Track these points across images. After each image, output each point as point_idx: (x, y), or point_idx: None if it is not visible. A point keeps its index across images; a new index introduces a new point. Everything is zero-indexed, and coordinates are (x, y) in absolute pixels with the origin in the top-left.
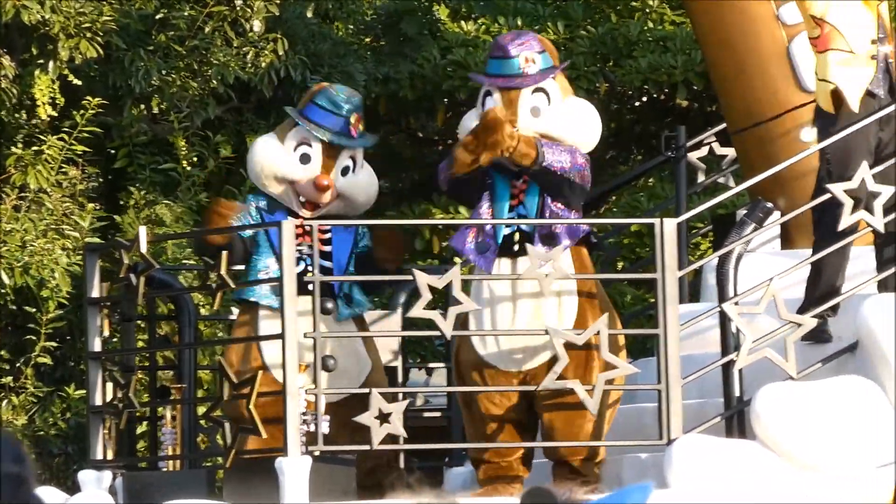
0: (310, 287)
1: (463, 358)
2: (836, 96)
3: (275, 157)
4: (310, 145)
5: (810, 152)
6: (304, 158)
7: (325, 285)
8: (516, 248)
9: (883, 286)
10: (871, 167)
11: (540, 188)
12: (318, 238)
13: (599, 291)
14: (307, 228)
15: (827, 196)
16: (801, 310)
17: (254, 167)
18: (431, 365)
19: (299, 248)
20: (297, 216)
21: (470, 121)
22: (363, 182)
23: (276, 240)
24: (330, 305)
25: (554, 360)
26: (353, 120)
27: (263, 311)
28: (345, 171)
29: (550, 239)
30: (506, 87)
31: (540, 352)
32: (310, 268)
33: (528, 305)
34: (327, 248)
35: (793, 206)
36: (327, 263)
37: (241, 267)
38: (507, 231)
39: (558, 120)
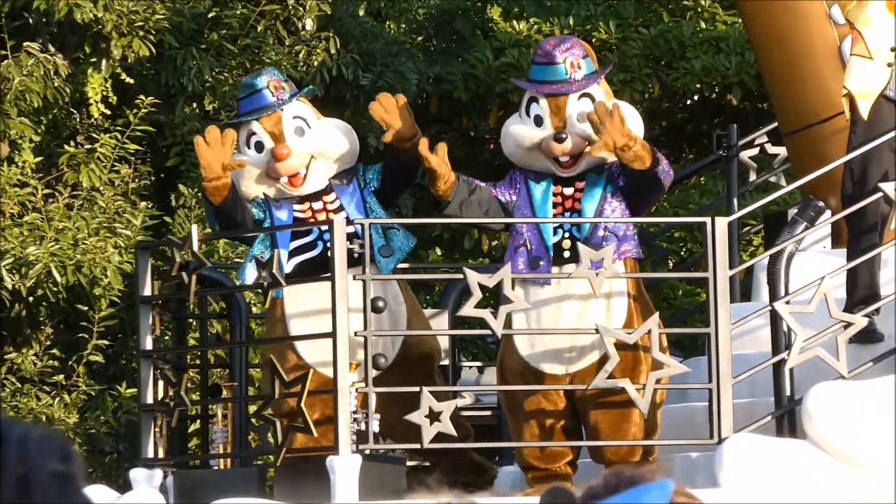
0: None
1: (507, 364)
2: (850, 103)
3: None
4: (255, 133)
5: (854, 155)
6: (259, 146)
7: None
8: (567, 254)
9: None
10: None
11: (624, 191)
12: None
13: (644, 295)
14: (315, 208)
15: (875, 197)
16: (846, 310)
17: (239, 189)
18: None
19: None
20: (300, 201)
21: (515, 126)
22: (325, 132)
23: (280, 232)
24: (381, 304)
25: (602, 361)
26: (270, 86)
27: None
28: (300, 132)
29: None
30: (553, 94)
31: (587, 353)
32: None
33: (576, 307)
34: (343, 214)
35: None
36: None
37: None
38: (556, 239)
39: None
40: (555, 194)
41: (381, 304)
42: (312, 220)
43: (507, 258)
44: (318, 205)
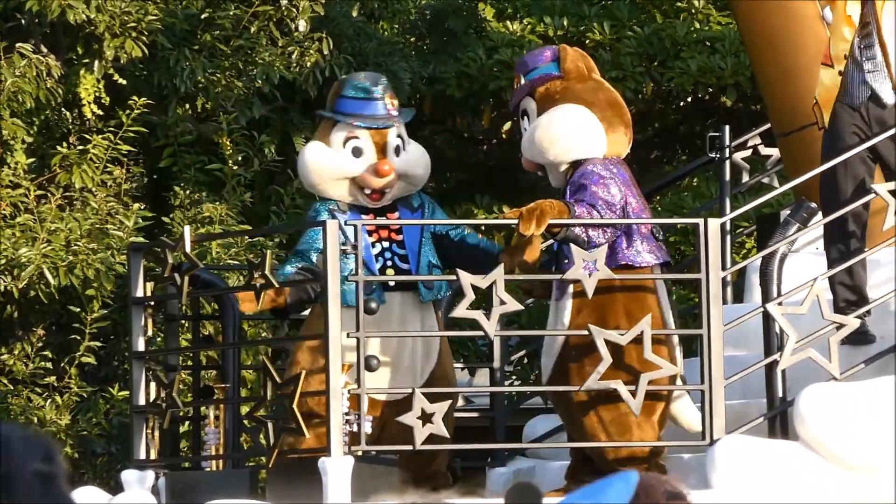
0: (391, 284)
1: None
2: (815, 110)
3: (328, 161)
4: (357, 137)
5: (841, 160)
6: (357, 152)
7: (400, 270)
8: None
9: None
10: (873, 171)
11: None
12: (379, 235)
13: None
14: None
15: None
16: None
17: (309, 177)
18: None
19: (375, 243)
20: (366, 211)
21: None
22: (417, 155)
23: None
24: (374, 305)
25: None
26: (387, 99)
27: (348, 310)
28: (397, 151)
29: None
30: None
31: None
32: (388, 262)
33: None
34: (399, 237)
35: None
36: (400, 251)
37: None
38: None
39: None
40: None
41: (374, 362)
42: (375, 233)
43: (631, 248)
44: (382, 219)
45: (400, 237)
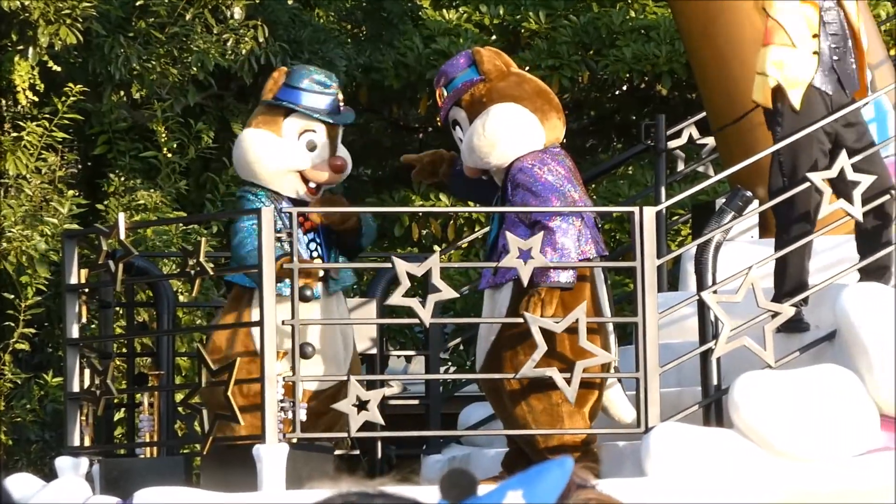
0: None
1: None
2: (777, 92)
3: (278, 152)
4: (314, 131)
5: (777, 147)
6: (311, 145)
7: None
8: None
9: (864, 274)
10: (831, 160)
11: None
12: (297, 225)
13: None
14: (308, 216)
15: (803, 187)
16: (775, 300)
17: (251, 166)
18: (410, 353)
19: (307, 233)
20: (300, 203)
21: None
22: (347, 155)
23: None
24: (308, 293)
25: None
26: (340, 96)
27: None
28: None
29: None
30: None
31: None
32: (314, 253)
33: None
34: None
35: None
36: (319, 240)
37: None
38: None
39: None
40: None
41: (309, 350)
42: (309, 225)
43: (563, 236)
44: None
45: (317, 226)
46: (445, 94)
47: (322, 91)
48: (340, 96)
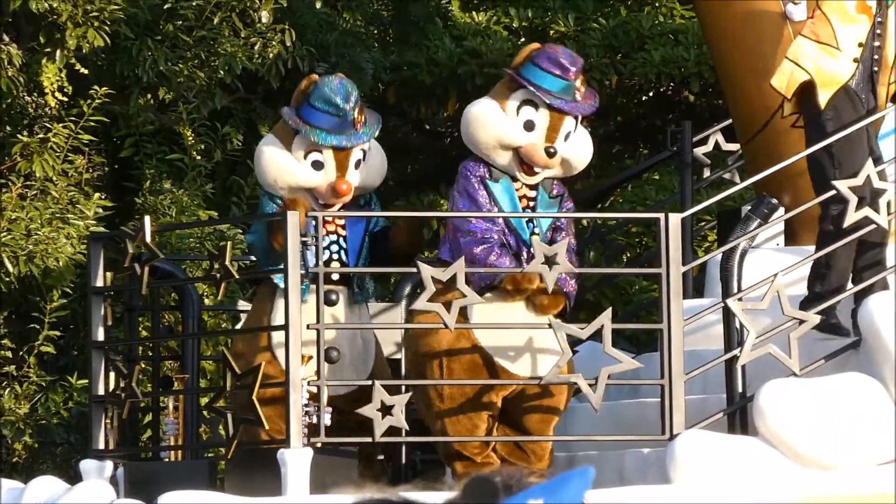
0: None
1: (460, 354)
2: (806, 87)
3: (286, 169)
4: (320, 152)
5: (816, 149)
6: (317, 165)
7: (344, 265)
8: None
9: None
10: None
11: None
12: (323, 227)
13: None
14: (325, 219)
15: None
16: (805, 304)
17: (265, 176)
18: None
19: (324, 236)
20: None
21: (499, 120)
22: (375, 165)
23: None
24: (334, 297)
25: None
26: (355, 114)
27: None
28: (357, 164)
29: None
30: (558, 110)
31: (547, 358)
32: (334, 255)
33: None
34: (344, 233)
35: (797, 202)
36: (346, 246)
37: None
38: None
39: (578, 146)
40: (518, 193)
41: (334, 354)
42: (324, 226)
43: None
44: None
45: (345, 233)
46: (581, 86)
47: (334, 112)
48: (359, 115)
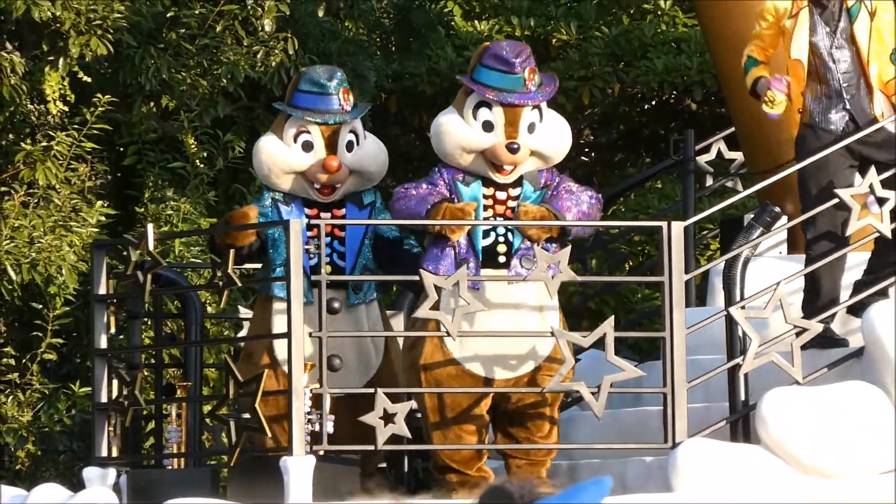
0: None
1: (436, 368)
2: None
3: (278, 153)
4: (308, 132)
5: (818, 157)
6: (307, 146)
7: (337, 267)
8: (502, 259)
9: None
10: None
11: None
12: (325, 231)
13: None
14: (323, 216)
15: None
16: (805, 316)
17: (260, 168)
18: None
19: (315, 239)
20: (312, 205)
21: (458, 126)
22: (371, 152)
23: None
24: (337, 305)
25: (535, 370)
26: (341, 95)
27: (278, 304)
28: (350, 147)
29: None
30: (510, 105)
31: (525, 360)
32: (326, 259)
33: (510, 314)
34: (341, 234)
35: (800, 210)
36: (341, 248)
37: (258, 265)
38: (487, 242)
39: (548, 135)
40: (485, 196)
41: (336, 362)
42: (315, 232)
43: (428, 260)
44: (326, 214)
45: (342, 234)
46: (534, 75)
47: (319, 92)
48: (344, 95)
